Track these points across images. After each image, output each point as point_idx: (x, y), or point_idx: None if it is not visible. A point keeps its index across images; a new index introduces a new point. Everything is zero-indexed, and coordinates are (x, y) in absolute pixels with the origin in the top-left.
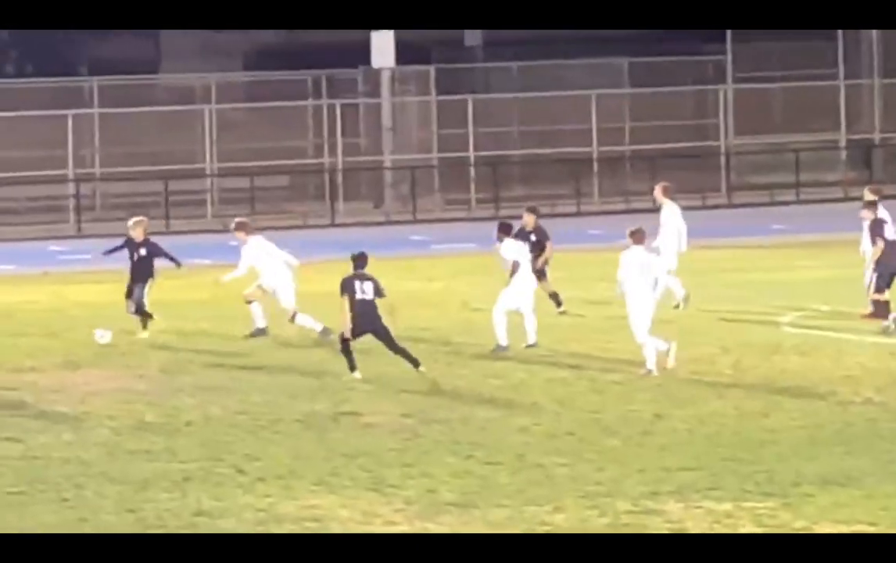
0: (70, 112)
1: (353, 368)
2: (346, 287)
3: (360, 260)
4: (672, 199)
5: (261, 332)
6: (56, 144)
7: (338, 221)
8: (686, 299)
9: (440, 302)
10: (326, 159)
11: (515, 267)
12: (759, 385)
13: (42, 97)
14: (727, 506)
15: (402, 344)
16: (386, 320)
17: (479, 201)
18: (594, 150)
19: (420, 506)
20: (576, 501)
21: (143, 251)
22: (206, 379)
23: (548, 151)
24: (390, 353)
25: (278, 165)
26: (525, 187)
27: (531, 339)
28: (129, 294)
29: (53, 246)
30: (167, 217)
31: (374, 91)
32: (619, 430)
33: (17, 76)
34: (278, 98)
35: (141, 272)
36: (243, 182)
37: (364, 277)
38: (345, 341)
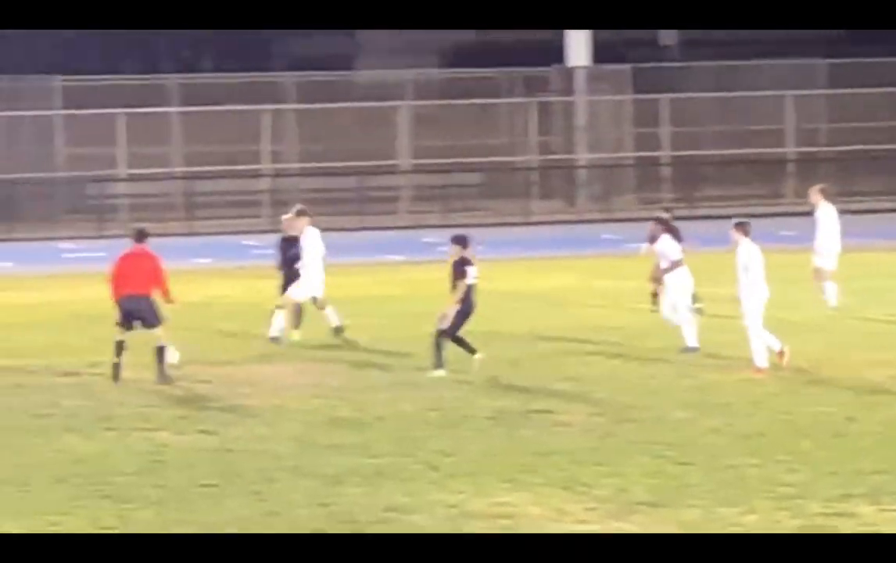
0: (266, 107)
1: (440, 365)
2: (461, 271)
3: (464, 241)
4: (829, 201)
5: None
6: (251, 139)
7: (531, 219)
8: (833, 299)
9: (632, 301)
10: (521, 157)
11: (675, 265)
12: None
13: (239, 93)
14: None
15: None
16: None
17: (673, 201)
18: (790, 150)
19: (612, 505)
20: (767, 502)
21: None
22: (397, 375)
23: (743, 151)
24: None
25: (473, 162)
26: (719, 187)
27: (690, 343)
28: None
29: (247, 241)
30: (361, 213)
31: (568, 89)
32: (811, 432)
33: (215, 71)
34: (473, 95)
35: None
36: (437, 179)
37: (471, 262)
38: (443, 334)
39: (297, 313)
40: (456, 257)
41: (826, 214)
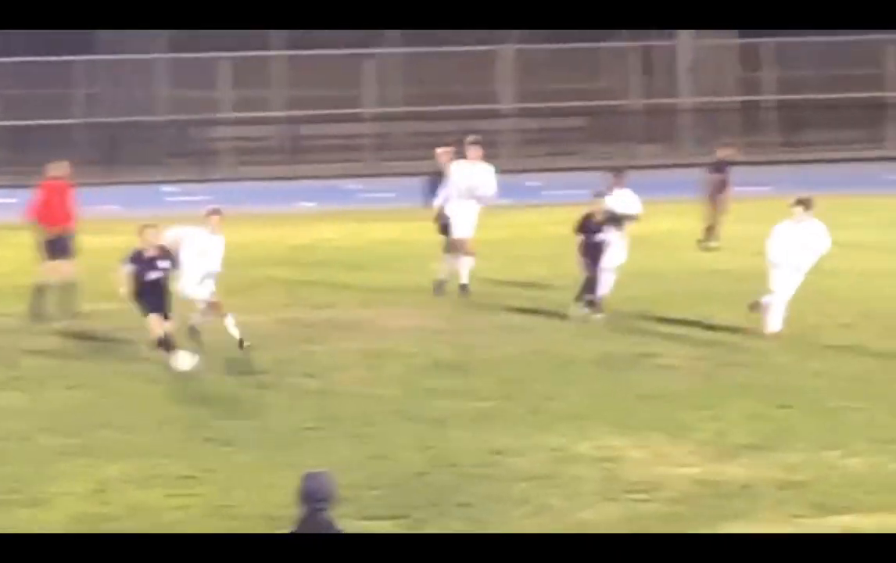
0: (370, 50)
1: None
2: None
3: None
4: None
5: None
6: (354, 84)
7: (635, 162)
8: None
9: (732, 246)
10: (624, 101)
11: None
12: None
13: (341, 38)
14: None
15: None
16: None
17: (778, 145)
18: (890, 95)
19: (713, 448)
20: (869, 446)
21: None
22: (501, 319)
23: (847, 95)
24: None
25: (576, 106)
26: (822, 132)
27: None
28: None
29: (352, 184)
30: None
31: (673, 32)
32: None
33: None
34: (577, 40)
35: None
36: (541, 123)
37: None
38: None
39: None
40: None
41: None
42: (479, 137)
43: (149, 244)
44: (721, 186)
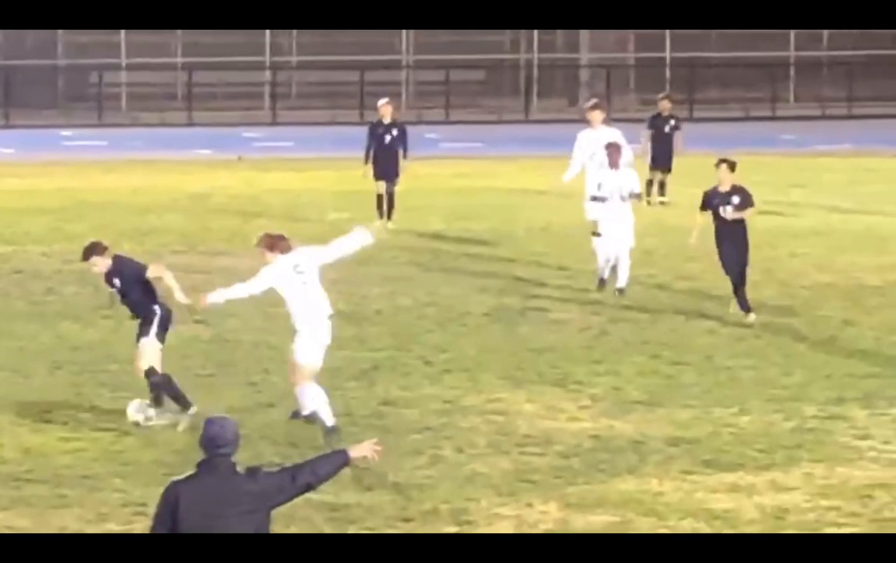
0: None
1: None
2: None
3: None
4: None
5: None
6: (253, 31)
7: (531, 117)
8: None
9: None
10: (522, 55)
11: None
12: None
13: None
14: None
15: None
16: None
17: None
18: (791, 54)
19: (606, 403)
20: (762, 404)
21: (394, 133)
22: (396, 270)
23: (744, 54)
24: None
25: (474, 59)
26: (720, 90)
27: None
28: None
29: (248, 132)
30: (361, 107)
31: None
32: (807, 335)
33: None
34: None
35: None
36: (439, 75)
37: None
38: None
39: None
40: None
41: None
42: (598, 101)
43: None
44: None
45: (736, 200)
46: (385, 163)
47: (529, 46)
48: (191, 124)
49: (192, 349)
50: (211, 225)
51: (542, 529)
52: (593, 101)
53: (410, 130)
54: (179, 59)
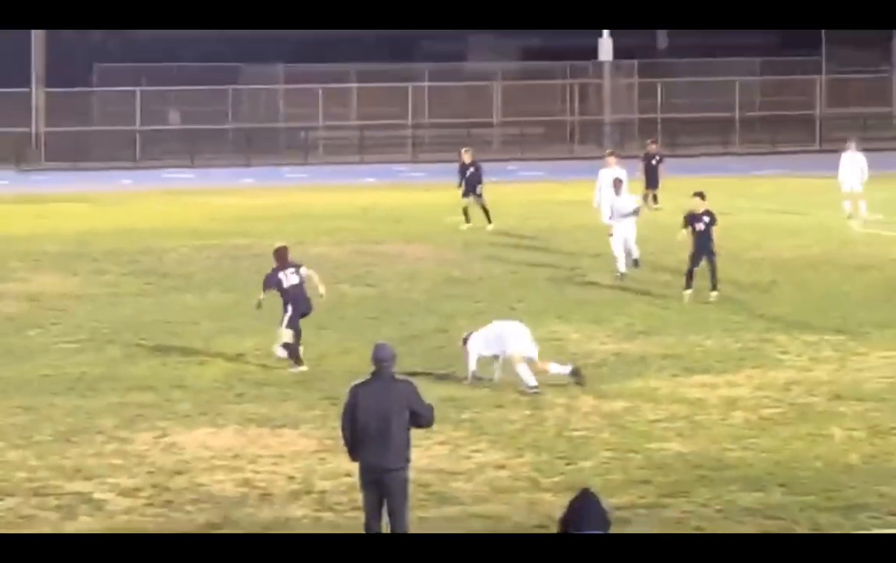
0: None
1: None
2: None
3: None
4: None
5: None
6: (399, 97)
7: (574, 155)
8: None
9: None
10: (568, 118)
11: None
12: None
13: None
14: (814, 338)
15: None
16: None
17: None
18: (736, 113)
19: (622, 333)
20: (720, 332)
21: (472, 169)
22: (490, 251)
23: (705, 114)
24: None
25: (538, 120)
26: (690, 136)
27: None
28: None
29: (397, 167)
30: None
31: (599, 74)
32: (748, 289)
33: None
34: (538, 77)
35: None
36: (516, 129)
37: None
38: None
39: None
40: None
41: None
42: (612, 149)
43: None
44: (651, 171)
45: (707, 219)
46: (468, 187)
47: (573, 111)
48: (362, 163)
49: (364, 302)
50: (373, 227)
51: (583, 411)
52: (609, 149)
53: (498, 166)
54: (355, 123)
